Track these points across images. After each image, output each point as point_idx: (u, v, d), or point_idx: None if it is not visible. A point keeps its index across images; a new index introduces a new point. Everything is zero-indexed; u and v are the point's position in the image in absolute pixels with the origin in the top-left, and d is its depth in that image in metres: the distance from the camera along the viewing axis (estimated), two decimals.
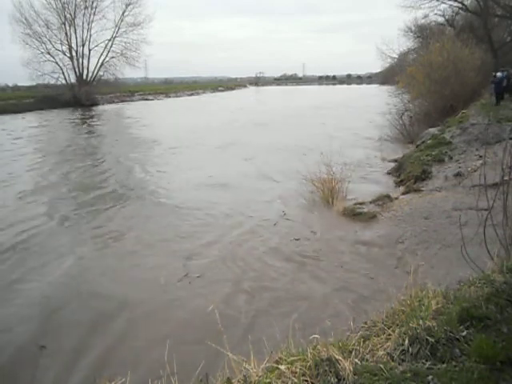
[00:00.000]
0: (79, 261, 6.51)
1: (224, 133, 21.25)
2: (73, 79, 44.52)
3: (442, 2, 27.79)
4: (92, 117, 33.51)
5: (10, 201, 10.11)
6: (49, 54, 43.22)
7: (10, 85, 53.43)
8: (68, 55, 44.17)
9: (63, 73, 44.01)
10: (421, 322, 2.25)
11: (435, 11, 29.03)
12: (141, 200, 9.91)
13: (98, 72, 45.14)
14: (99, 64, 44.99)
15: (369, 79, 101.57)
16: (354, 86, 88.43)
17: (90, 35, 44.62)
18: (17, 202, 9.98)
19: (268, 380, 1.98)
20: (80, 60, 44.58)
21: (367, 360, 2.12)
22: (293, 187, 10.19)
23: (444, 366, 1.99)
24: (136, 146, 18.29)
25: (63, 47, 44.03)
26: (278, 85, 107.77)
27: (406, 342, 2.18)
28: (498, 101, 16.67)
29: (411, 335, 2.20)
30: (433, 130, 14.16)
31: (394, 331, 2.34)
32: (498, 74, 16.84)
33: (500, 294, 2.46)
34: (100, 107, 42.03)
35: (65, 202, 10.01)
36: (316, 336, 2.29)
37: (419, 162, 10.55)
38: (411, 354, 2.11)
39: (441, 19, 31.19)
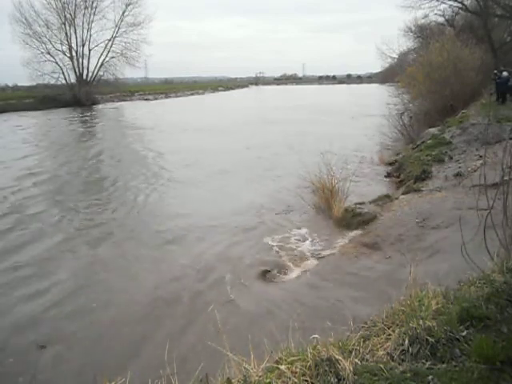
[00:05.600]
0: None
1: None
2: (73, 79, 44.56)
3: (442, 2, 27.76)
4: (91, 116, 33.54)
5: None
6: (49, 54, 43.27)
7: (10, 85, 53.44)
8: (68, 55, 44.21)
9: (63, 73, 44.09)
10: (421, 321, 2.25)
11: (435, 11, 29.01)
12: None
13: (98, 72, 45.16)
14: (99, 64, 45.03)
15: (369, 79, 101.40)
16: (353, 86, 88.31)
17: (90, 35, 44.70)
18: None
19: (268, 380, 1.98)
20: (80, 60, 44.60)
21: (367, 360, 2.12)
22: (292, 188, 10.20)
23: (444, 366, 1.98)
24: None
25: (63, 47, 44.11)
26: (278, 85, 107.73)
27: (406, 342, 2.17)
28: (503, 100, 16.59)
29: (411, 335, 2.19)
30: (433, 130, 14.15)
31: (394, 331, 2.33)
32: (504, 74, 16.70)
33: (500, 294, 2.46)
34: (100, 106, 42.05)
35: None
36: (316, 336, 2.29)
37: (419, 162, 10.54)
38: (411, 354, 2.11)
39: (441, 19, 31.19)
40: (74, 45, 44.19)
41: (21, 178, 12.74)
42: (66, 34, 43.64)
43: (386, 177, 11.76)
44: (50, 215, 9.25)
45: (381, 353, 2.17)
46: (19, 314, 5.25)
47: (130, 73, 65.38)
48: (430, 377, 1.90)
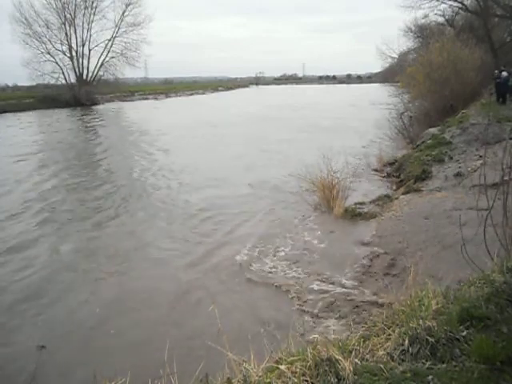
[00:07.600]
0: None
1: None
2: (73, 79, 44.57)
3: (442, 2, 27.79)
4: (91, 116, 33.56)
5: None
6: (49, 54, 43.27)
7: (10, 85, 53.47)
8: (68, 55, 44.22)
9: (63, 73, 44.08)
10: (421, 321, 2.25)
11: (435, 11, 29.06)
12: None
13: (98, 72, 45.18)
14: (99, 64, 45.04)
15: (369, 79, 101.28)
16: (353, 86, 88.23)
17: (90, 35, 44.72)
18: None
19: (268, 380, 1.98)
20: (80, 60, 44.61)
21: (367, 360, 2.12)
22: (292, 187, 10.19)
23: (444, 366, 1.98)
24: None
25: (63, 47, 44.12)
26: (278, 85, 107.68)
27: (406, 342, 2.17)
28: (504, 100, 16.56)
29: (411, 335, 2.19)
30: (433, 130, 14.14)
31: (394, 331, 2.33)
32: (504, 74, 16.66)
33: (500, 294, 2.45)
34: (100, 107, 42.04)
35: None
36: (316, 336, 2.29)
37: (419, 162, 10.54)
38: (411, 354, 2.11)
39: (441, 19, 31.23)
40: (74, 45, 44.28)
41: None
42: (66, 34, 43.69)
43: (386, 177, 11.76)
44: None
45: (381, 353, 2.17)
46: None
47: (129, 73, 65.23)
48: (430, 377, 1.89)
